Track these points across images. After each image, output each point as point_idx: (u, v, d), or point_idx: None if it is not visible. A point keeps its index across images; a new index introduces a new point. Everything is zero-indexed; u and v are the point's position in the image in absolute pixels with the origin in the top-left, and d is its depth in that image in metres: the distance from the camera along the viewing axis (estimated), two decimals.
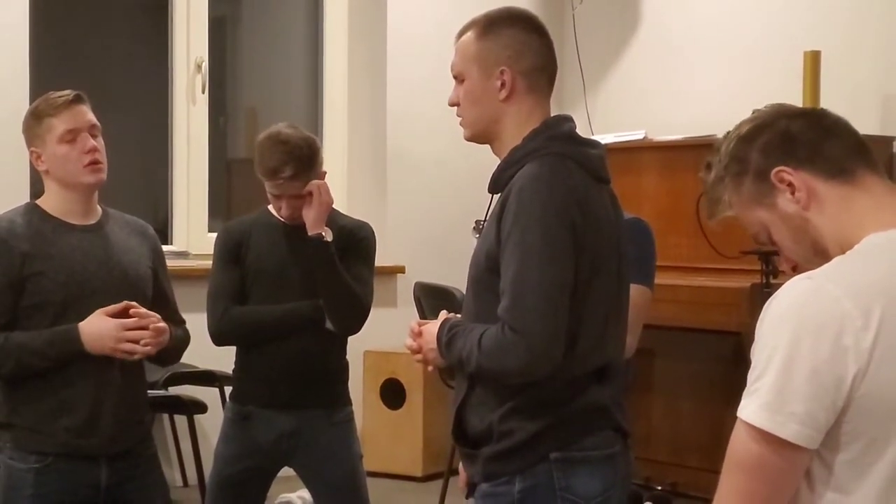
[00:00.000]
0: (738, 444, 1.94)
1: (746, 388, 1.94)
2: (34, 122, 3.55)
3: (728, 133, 2.17)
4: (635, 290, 3.44)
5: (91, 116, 3.57)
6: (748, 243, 4.52)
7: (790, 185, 2.06)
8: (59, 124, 3.50)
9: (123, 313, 3.45)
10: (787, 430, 1.89)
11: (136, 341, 3.43)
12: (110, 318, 3.43)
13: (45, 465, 3.46)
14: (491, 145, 2.87)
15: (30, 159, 3.62)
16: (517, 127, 2.80)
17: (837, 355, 1.88)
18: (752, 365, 1.94)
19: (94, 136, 3.54)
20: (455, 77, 2.89)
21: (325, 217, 3.86)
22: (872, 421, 1.90)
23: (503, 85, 2.80)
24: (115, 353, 3.44)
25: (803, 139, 2.08)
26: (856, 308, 1.89)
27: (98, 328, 3.42)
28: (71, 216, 3.56)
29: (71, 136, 3.50)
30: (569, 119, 2.86)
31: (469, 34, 2.86)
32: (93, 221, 3.60)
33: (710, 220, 2.20)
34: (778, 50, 6.32)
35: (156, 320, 3.46)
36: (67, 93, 3.55)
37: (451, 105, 2.90)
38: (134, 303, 3.48)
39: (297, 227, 3.89)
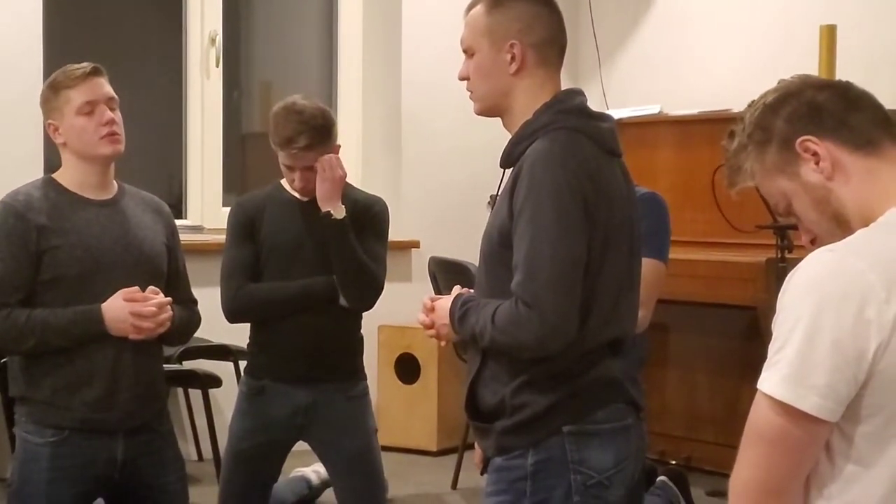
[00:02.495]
0: (759, 416, 1.94)
1: (767, 360, 1.94)
2: (52, 95, 3.55)
3: (753, 102, 2.15)
4: (649, 265, 3.44)
5: (109, 89, 3.56)
6: (763, 218, 4.53)
7: (815, 154, 2.05)
8: (77, 96, 3.50)
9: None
10: (808, 403, 1.89)
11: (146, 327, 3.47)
12: (125, 303, 3.45)
13: (62, 438, 3.47)
14: (502, 119, 2.86)
15: (46, 131, 3.61)
16: (528, 101, 2.79)
17: (859, 328, 1.87)
18: (774, 337, 1.94)
19: (111, 109, 3.54)
20: (465, 51, 2.87)
21: (337, 192, 3.84)
22: (893, 394, 1.90)
23: (513, 58, 2.78)
24: (134, 335, 3.46)
25: (830, 110, 2.07)
26: (879, 281, 1.88)
27: (117, 310, 3.44)
28: (87, 190, 3.55)
29: (89, 108, 3.50)
30: (580, 93, 2.85)
31: (478, 8, 2.85)
32: (109, 196, 3.60)
33: (730, 189, 2.19)
34: (794, 24, 6.29)
35: (162, 307, 3.49)
36: (85, 65, 3.54)
37: (461, 79, 2.89)
38: (153, 287, 3.50)
39: (311, 201, 3.88)
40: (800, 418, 1.89)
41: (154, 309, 3.47)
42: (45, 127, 3.60)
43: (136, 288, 3.47)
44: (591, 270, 2.67)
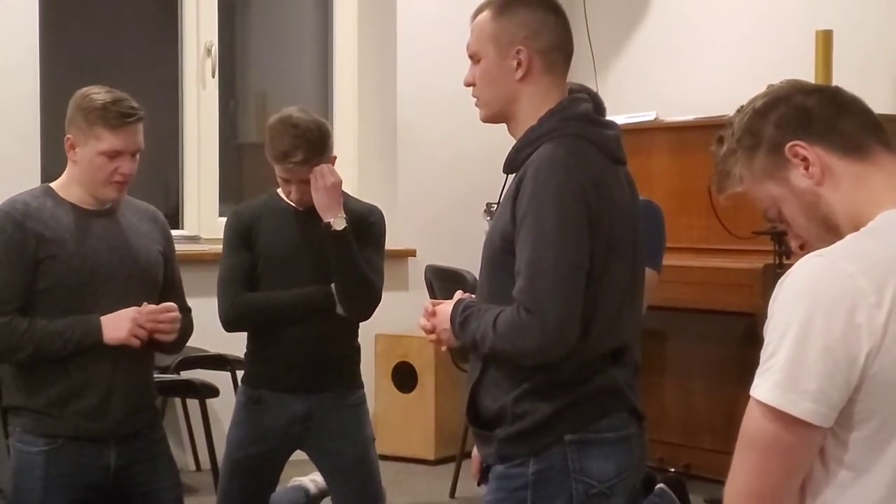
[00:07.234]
0: (752, 423, 1.93)
1: (759, 367, 1.93)
2: (81, 119, 3.46)
3: (741, 107, 2.15)
4: None
5: (140, 138, 3.50)
6: (760, 224, 4.50)
7: (804, 159, 2.05)
8: (110, 140, 3.44)
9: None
10: (800, 409, 1.88)
11: (152, 331, 3.48)
12: (130, 308, 3.46)
13: (56, 447, 3.47)
14: (507, 125, 2.85)
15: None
16: (534, 107, 2.78)
17: (850, 333, 1.86)
18: (765, 343, 1.93)
19: (133, 156, 3.51)
20: (471, 57, 2.87)
21: (336, 200, 3.82)
22: (886, 399, 1.89)
23: (519, 64, 2.78)
24: (129, 341, 3.45)
25: (819, 115, 2.06)
26: (869, 285, 1.87)
27: (117, 315, 3.44)
28: (84, 202, 3.55)
29: (114, 154, 3.46)
30: (585, 99, 2.85)
31: (485, 13, 2.85)
32: (106, 206, 3.58)
33: (718, 195, 2.19)
34: (789, 29, 6.29)
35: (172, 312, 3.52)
36: (129, 108, 3.47)
37: (467, 85, 2.88)
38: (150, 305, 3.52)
39: (308, 211, 3.87)
40: (792, 424, 1.88)
41: (174, 314, 3.51)
42: (64, 140, 3.54)
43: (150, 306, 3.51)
44: (594, 278, 2.66)
